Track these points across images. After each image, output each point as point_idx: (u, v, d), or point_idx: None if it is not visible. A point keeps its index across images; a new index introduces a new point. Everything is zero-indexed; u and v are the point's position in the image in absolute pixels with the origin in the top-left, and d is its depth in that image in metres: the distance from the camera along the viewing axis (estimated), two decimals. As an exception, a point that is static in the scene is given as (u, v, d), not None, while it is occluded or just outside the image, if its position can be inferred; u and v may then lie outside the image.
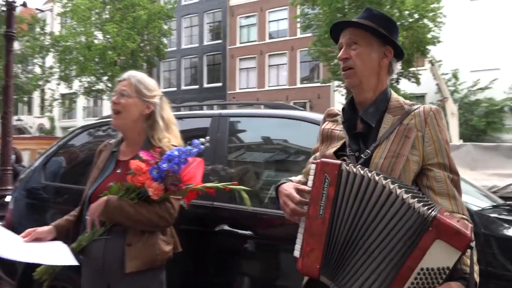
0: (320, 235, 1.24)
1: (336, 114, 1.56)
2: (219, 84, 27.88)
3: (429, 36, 15.84)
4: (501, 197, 3.11)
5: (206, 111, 2.94)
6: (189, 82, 29.63)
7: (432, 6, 15.30)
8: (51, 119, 33.48)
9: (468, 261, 1.16)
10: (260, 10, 26.16)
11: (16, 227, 3.02)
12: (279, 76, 25.97)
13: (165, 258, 1.87)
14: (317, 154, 1.53)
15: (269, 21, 26.13)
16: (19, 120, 35.92)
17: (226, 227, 2.16)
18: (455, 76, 19.15)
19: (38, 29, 25.80)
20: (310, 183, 1.30)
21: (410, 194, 1.19)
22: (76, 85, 24.31)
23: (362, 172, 1.24)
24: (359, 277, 1.21)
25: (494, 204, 2.20)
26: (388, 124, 1.39)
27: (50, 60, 26.05)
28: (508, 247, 1.73)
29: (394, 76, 12.21)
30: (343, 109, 1.51)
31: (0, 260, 3.07)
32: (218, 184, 1.86)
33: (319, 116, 2.01)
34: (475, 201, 2.13)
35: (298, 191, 1.35)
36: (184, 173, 1.74)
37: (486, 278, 1.58)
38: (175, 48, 29.03)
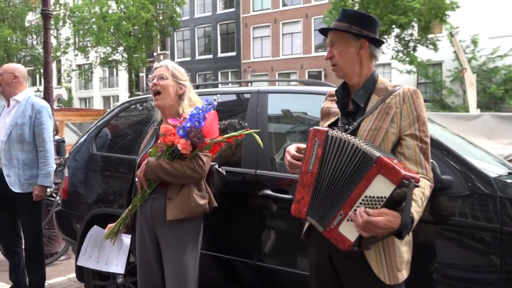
0: (309, 186, 1.57)
1: (335, 95, 1.85)
2: (233, 54, 27.81)
3: (447, 1, 15.56)
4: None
5: (245, 88, 3.18)
6: (203, 51, 29.60)
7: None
8: (69, 90, 33.92)
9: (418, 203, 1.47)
10: (274, -24, 25.73)
11: (72, 192, 3.39)
12: (293, 45, 25.80)
13: (201, 210, 2.22)
14: None
15: (283, -12, 25.75)
16: (37, 91, 36.58)
17: (268, 192, 2.45)
18: (474, 42, 18.83)
19: (52, 0, 25.78)
20: (305, 145, 1.63)
21: (374, 150, 1.46)
22: (93, 56, 24.55)
23: (342, 136, 1.54)
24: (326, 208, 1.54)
25: (510, 171, 2.43)
26: (373, 103, 1.69)
27: (66, 31, 26.19)
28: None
29: (411, 44, 12.15)
30: (336, 91, 1.82)
31: (60, 219, 3.46)
32: (235, 133, 2.19)
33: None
34: (492, 168, 2.36)
35: (298, 149, 1.72)
36: (204, 128, 2.08)
37: (500, 233, 1.88)
38: (188, 17, 28.86)
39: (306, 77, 25.27)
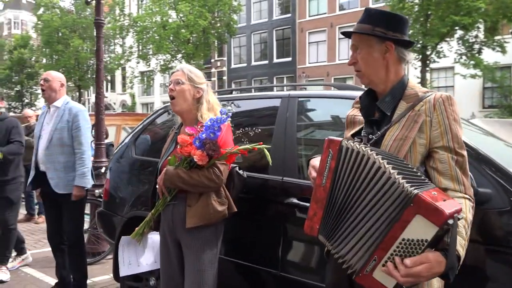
0: (321, 201, 1.44)
1: None
2: (289, 59, 27.79)
3: (517, 0, 14.47)
4: None
5: (275, 92, 3.12)
6: (259, 57, 29.85)
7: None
8: (132, 96, 35.66)
9: (462, 235, 1.28)
10: (330, -20, 25.43)
11: (112, 194, 3.52)
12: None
13: (220, 216, 2.21)
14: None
15: (340, -8, 25.35)
16: (104, 97, 38.77)
17: (295, 201, 2.37)
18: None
19: (117, 11, 27.29)
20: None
21: (397, 170, 1.30)
22: (153, 63, 25.62)
23: (358, 148, 1.38)
24: (349, 241, 1.37)
25: None
26: (402, 110, 1.52)
27: (129, 40, 27.58)
28: None
29: (476, 46, 11.35)
30: (360, 97, 1.66)
31: (102, 220, 3.59)
32: (248, 146, 2.16)
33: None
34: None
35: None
36: (219, 139, 2.06)
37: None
38: (245, 24, 29.28)
39: (363, 82, 24.55)
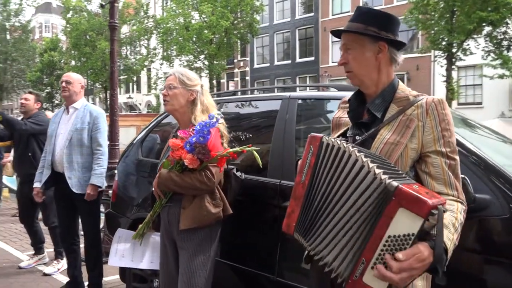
0: (299, 199, 1.41)
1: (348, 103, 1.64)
2: (312, 58, 27.57)
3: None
4: None
5: (276, 94, 3.07)
6: (282, 57, 29.74)
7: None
8: (157, 96, 36.15)
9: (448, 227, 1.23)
10: (354, -22, 25.07)
11: (119, 195, 3.55)
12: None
13: (213, 218, 2.22)
14: None
15: (364, -10, 24.95)
16: (129, 97, 39.50)
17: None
18: None
19: (142, 13, 27.75)
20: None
21: (376, 164, 1.25)
22: (177, 64, 25.91)
23: (339, 144, 1.34)
24: (330, 241, 1.32)
25: None
26: (392, 113, 1.47)
27: (154, 41, 28.02)
28: None
29: (504, 42, 10.83)
30: (349, 99, 1.60)
31: (109, 221, 3.63)
32: (237, 148, 2.16)
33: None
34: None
35: None
36: (208, 142, 2.05)
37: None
38: (267, 24, 29.23)
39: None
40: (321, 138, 1.40)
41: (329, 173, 1.35)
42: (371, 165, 1.25)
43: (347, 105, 1.62)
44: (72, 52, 30.97)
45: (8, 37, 37.40)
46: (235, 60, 31.73)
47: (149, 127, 3.62)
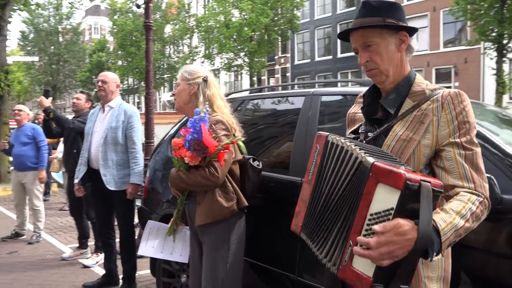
0: (306, 198, 1.38)
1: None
2: (353, 54, 26.92)
3: None
4: None
5: (300, 90, 3.03)
6: (323, 53, 29.35)
7: None
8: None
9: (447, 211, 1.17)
10: (398, -31, 24.29)
11: (150, 192, 3.63)
12: (419, 40, 23.93)
13: (227, 212, 2.23)
14: None
15: (408, -18, 24.13)
16: (173, 95, 40.47)
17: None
18: None
19: (184, 13, 28.27)
20: None
21: (363, 150, 1.22)
22: (217, 62, 26.22)
23: (342, 143, 1.29)
24: (329, 238, 1.28)
25: None
26: (406, 109, 1.39)
27: (195, 40, 28.49)
28: None
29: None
30: (363, 95, 1.53)
31: (140, 217, 3.73)
32: (228, 141, 2.18)
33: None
34: None
35: None
36: (203, 138, 2.05)
37: None
38: (308, 19, 28.93)
39: (433, 76, 23.26)
40: (326, 136, 1.37)
41: (333, 172, 1.31)
42: (362, 153, 1.21)
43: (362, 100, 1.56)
44: (119, 52, 32.09)
45: (60, 39, 39.43)
46: (276, 57, 31.66)
47: (179, 123, 3.66)
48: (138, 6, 5.73)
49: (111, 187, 3.60)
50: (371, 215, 1.14)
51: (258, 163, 2.40)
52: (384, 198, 1.12)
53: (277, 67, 32.23)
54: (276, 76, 32.03)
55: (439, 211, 1.18)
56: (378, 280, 1.12)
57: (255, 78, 26.37)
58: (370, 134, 1.44)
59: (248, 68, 25.00)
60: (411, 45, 1.44)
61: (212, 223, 2.23)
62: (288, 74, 31.22)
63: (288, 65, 31.35)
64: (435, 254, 1.13)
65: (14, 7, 10.93)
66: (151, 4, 5.16)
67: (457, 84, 22.14)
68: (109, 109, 3.73)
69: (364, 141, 1.42)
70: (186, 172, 2.20)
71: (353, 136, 1.52)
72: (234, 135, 2.28)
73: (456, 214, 1.17)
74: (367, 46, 1.42)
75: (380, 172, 1.12)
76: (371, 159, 1.15)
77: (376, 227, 1.10)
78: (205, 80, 2.37)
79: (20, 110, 5.66)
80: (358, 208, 1.17)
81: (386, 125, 1.40)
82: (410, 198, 1.10)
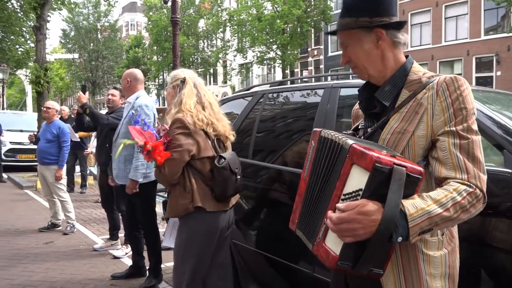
0: (302, 194, 1.39)
1: None
2: (388, 44, 26.30)
3: None
4: None
5: (320, 83, 2.95)
6: (356, 44, 28.75)
7: None
8: (233, 88, 37.04)
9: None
10: (436, -45, 23.36)
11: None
12: (458, 29, 23.01)
13: (182, 210, 2.36)
14: None
15: (447, -33, 23.16)
16: (206, 90, 40.85)
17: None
18: None
19: (216, 7, 28.45)
20: None
21: (352, 140, 1.20)
22: (250, 55, 26.25)
23: (334, 137, 1.27)
24: (315, 224, 1.28)
25: None
26: (403, 100, 1.32)
27: (228, 34, 28.63)
28: None
29: None
30: (359, 89, 1.47)
31: (164, 210, 3.77)
32: (130, 141, 2.40)
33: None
34: None
35: None
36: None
37: None
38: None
39: (473, 65, 22.29)
40: (320, 132, 1.35)
41: (324, 167, 1.29)
42: (344, 139, 1.21)
43: None
44: (154, 47, 32.74)
45: (99, 36, 40.72)
46: (309, 49, 31.32)
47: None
48: (165, 2, 5.78)
49: (119, 181, 3.66)
50: (344, 195, 1.16)
51: (223, 160, 2.37)
52: (357, 179, 1.14)
53: (310, 59, 31.89)
54: (309, 68, 31.70)
55: (415, 197, 1.15)
56: (344, 258, 1.14)
57: (287, 71, 26.20)
58: (369, 130, 1.39)
59: (280, 61, 24.87)
60: (396, 40, 1.36)
61: (181, 217, 2.41)
62: (322, 66, 30.81)
63: (321, 57, 30.93)
64: (401, 239, 1.11)
65: (53, 6, 11.32)
66: (178, 0, 5.18)
67: (499, 73, 21.12)
68: (128, 104, 3.79)
69: (362, 137, 1.38)
70: (155, 169, 2.39)
71: (350, 132, 1.48)
72: (206, 132, 2.35)
73: (434, 202, 1.13)
74: (346, 47, 1.40)
75: (355, 153, 1.14)
76: (350, 141, 1.17)
77: (339, 205, 1.13)
78: (182, 81, 2.46)
79: (48, 108, 5.83)
80: (335, 188, 1.19)
81: (383, 119, 1.35)
82: (380, 181, 1.10)
